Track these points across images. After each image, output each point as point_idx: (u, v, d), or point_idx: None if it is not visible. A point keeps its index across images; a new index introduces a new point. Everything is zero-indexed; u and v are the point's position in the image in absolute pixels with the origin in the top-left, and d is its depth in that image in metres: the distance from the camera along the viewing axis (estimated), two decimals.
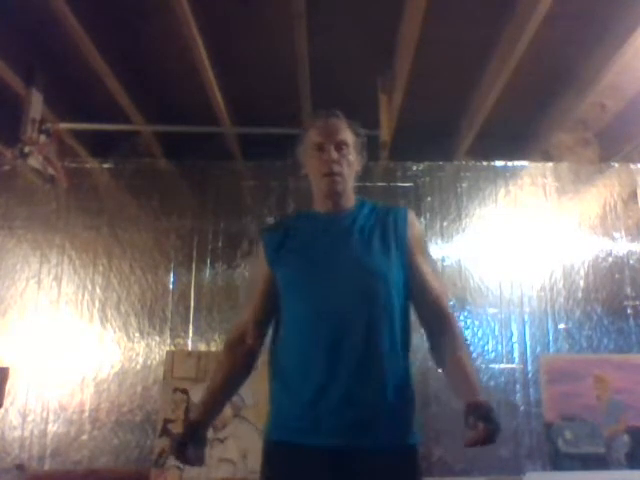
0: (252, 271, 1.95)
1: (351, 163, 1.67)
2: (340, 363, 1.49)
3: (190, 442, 1.56)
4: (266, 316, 1.68)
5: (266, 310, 1.68)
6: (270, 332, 1.70)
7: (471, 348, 3.42)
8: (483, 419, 1.33)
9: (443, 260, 3.59)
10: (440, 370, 1.61)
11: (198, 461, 1.57)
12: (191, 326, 3.46)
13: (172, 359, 3.35)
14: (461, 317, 3.48)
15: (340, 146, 1.65)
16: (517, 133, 3.64)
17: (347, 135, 1.67)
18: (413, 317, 1.64)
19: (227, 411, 3.16)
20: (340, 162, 1.64)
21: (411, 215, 1.70)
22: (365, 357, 1.50)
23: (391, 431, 1.49)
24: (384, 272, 1.58)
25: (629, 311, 3.54)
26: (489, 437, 1.31)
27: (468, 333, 3.46)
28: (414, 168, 3.73)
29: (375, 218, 1.67)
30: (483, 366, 3.40)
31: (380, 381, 1.50)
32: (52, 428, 3.28)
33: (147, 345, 3.43)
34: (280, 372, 1.60)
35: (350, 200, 1.70)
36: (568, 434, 3.24)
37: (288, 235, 1.69)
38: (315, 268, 1.59)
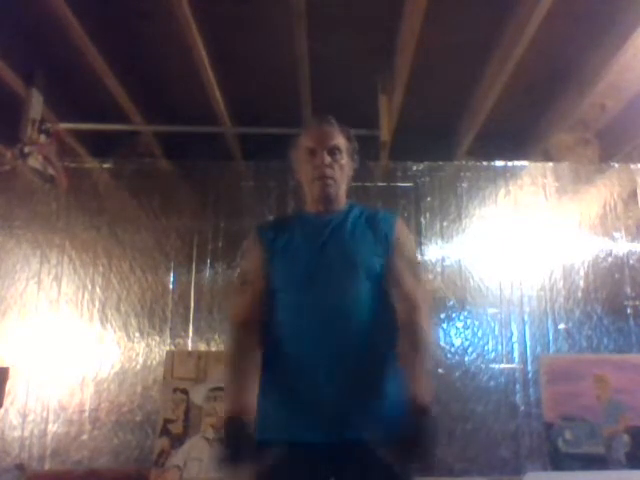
0: (244, 261, 1.94)
1: (343, 167, 1.70)
2: (327, 358, 1.51)
3: (242, 444, 1.45)
4: (263, 301, 1.63)
5: (264, 297, 1.64)
6: None
7: (470, 348, 3.44)
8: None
9: (443, 260, 3.59)
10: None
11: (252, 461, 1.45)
12: (191, 326, 3.46)
13: (172, 359, 3.35)
14: (461, 317, 3.49)
15: (333, 151, 1.68)
16: (517, 133, 3.65)
17: (340, 140, 1.70)
18: None
19: None
20: (332, 166, 1.67)
21: (399, 220, 1.72)
22: (351, 352, 1.52)
23: (377, 424, 1.50)
24: (371, 271, 1.60)
25: (629, 311, 3.53)
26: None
27: (468, 333, 3.47)
28: (414, 168, 3.73)
29: (364, 219, 1.69)
30: (483, 366, 3.41)
31: (365, 374, 1.52)
32: (52, 428, 3.28)
33: (147, 345, 3.43)
34: (266, 366, 1.59)
35: (341, 203, 1.73)
36: (568, 434, 3.24)
37: (282, 234, 1.70)
38: (306, 267, 1.61)
